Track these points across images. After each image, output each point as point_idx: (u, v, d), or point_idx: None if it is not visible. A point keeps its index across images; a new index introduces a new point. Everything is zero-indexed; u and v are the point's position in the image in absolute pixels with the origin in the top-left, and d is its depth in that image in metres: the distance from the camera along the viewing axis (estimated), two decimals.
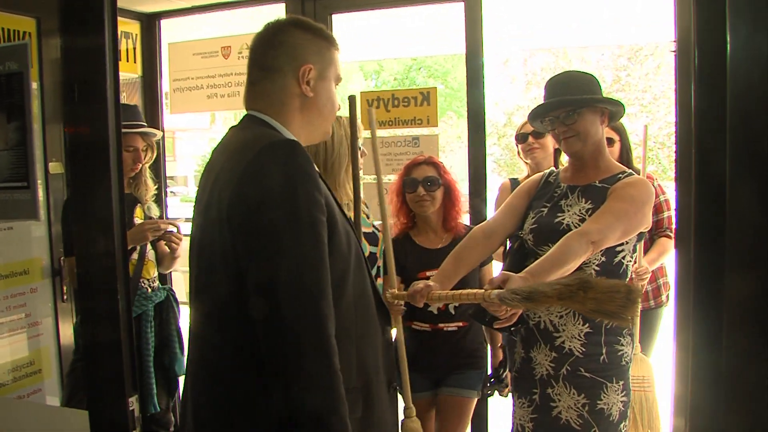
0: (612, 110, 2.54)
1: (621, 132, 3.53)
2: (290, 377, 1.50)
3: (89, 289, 1.86)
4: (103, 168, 1.83)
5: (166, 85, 4.25)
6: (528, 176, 3.59)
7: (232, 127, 1.82)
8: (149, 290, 3.40)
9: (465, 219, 3.29)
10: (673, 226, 3.44)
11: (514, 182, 3.68)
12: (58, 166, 3.73)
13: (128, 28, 4.21)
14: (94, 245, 1.79)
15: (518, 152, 3.76)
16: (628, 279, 2.51)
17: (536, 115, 2.60)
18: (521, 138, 3.65)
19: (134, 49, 4.25)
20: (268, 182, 1.54)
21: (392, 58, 15.60)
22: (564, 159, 3.59)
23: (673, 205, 3.46)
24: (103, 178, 1.83)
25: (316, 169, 1.67)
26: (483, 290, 2.14)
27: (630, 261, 2.50)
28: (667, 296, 3.61)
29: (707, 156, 1.45)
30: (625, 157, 3.42)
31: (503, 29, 6.94)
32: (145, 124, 3.39)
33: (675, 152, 3.30)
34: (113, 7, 1.95)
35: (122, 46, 4.15)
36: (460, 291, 2.26)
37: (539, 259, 2.29)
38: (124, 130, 3.16)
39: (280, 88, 1.75)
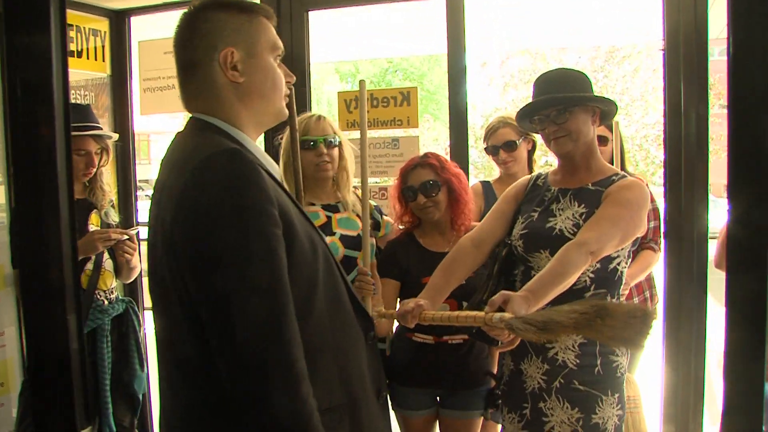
0: (604, 109, 2.44)
1: (615, 131, 3.31)
2: (257, 410, 1.36)
3: (35, 307, 1.70)
4: (50, 175, 1.68)
5: (136, 85, 4.10)
6: (500, 178, 3.48)
7: (178, 132, 1.66)
8: (106, 302, 3.20)
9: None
10: (660, 239, 3.28)
11: (486, 185, 3.53)
12: None
13: (96, 25, 4.03)
14: (41, 257, 1.64)
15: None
16: (622, 286, 2.43)
17: (525, 113, 2.48)
18: (492, 151, 3.44)
19: (102, 47, 4.07)
20: (207, 200, 1.39)
21: (368, 59, 15.48)
22: (542, 162, 3.49)
23: (661, 214, 3.32)
24: (50, 185, 1.67)
25: (269, 173, 1.53)
26: (483, 313, 2.01)
27: (625, 267, 2.41)
28: (654, 309, 3.43)
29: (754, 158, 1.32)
30: (618, 157, 3.24)
31: (480, 30, 6.86)
32: (99, 125, 3.19)
33: (664, 152, 3.30)
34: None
35: (90, 44, 3.99)
36: (457, 312, 2.14)
37: (537, 274, 2.18)
38: (73, 133, 3.00)
39: (210, 83, 1.59)
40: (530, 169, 3.43)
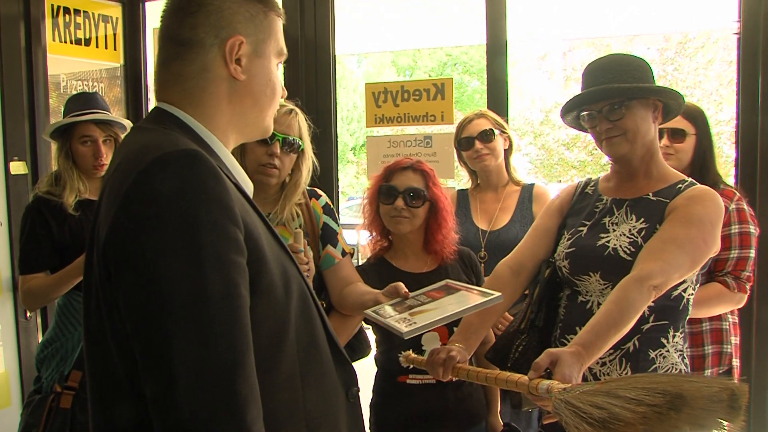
0: (667, 103, 2.09)
1: (698, 122, 2.66)
2: None
3: None
4: None
5: (151, 75, 3.89)
6: (478, 186, 3.07)
7: (133, 127, 1.42)
8: None
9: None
10: (746, 273, 2.52)
11: (462, 194, 3.12)
12: (21, 166, 3.39)
13: (108, 11, 3.89)
14: None
15: (460, 159, 3.12)
16: (688, 316, 2.07)
17: (572, 107, 2.14)
18: (465, 144, 2.99)
19: (114, 35, 3.92)
20: (154, 213, 1.12)
21: (425, 47, 15.25)
22: (515, 162, 3.09)
23: (753, 242, 2.55)
24: None
25: (239, 187, 1.25)
26: (527, 378, 1.70)
27: (692, 294, 2.05)
28: (731, 369, 2.65)
29: None
30: (700, 157, 2.65)
31: (541, 20, 6.57)
32: (105, 111, 2.89)
33: (736, 150, 3.01)
34: None
35: (100, 32, 3.84)
36: (496, 372, 1.83)
37: (591, 320, 1.83)
38: (72, 120, 2.75)
39: (200, 69, 1.33)
40: (508, 173, 3.05)
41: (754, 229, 2.52)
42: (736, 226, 2.51)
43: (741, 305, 2.54)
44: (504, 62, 3.27)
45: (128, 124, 2.97)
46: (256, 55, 1.37)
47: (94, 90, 3.76)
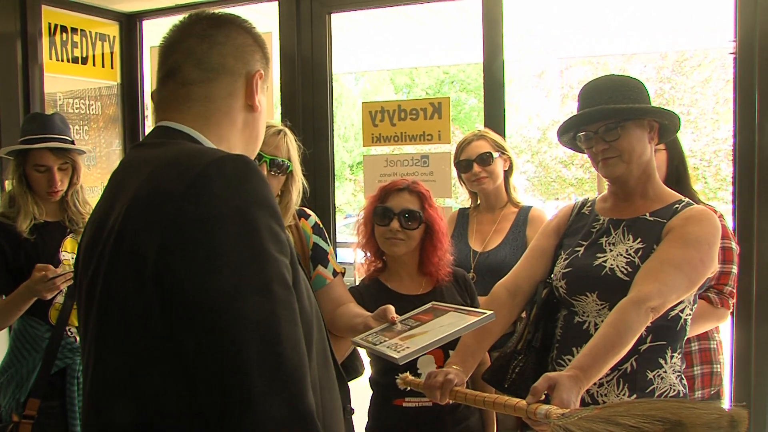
0: (663, 124, 2.09)
1: (670, 140, 2.59)
2: None
3: None
4: None
5: (148, 94, 3.87)
6: (478, 206, 3.06)
7: (136, 145, 1.43)
8: (77, 340, 2.77)
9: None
10: (728, 287, 2.53)
11: (462, 212, 3.11)
12: None
13: (105, 29, 3.88)
14: None
15: (460, 179, 3.10)
16: (686, 337, 2.06)
17: (568, 128, 2.14)
18: (463, 166, 2.97)
19: (111, 53, 3.91)
20: (215, 214, 1.12)
21: (423, 66, 15.25)
22: (515, 182, 3.06)
23: (735, 256, 2.57)
24: None
25: None
26: (525, 402, 1.68)
27: (689, 315, 2.04)
28: (717, 392, 2.63)
29: None
30: (673, 174, 2.64)
31: (538, 38, 6.59)
32: (65, 137, 2.80)
33: (733, 169, 3.02)
34: None
35: (97, 50, 3.83)
36: (494, 397, 1.82)
37: (588, 343, 1.83)
38: (24, 147, 2.68)
39: (227, 94, 1.38)
40: (508, 194, 3.02)
41: (735, 246, 2.54)
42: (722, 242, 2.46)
43: (723, 321, 2.56)
44: (501, 79, 3.26)
45: (86, 150, 2.91)
46: (262, 92, 1.45)
47: (92, 110, 3.75)
